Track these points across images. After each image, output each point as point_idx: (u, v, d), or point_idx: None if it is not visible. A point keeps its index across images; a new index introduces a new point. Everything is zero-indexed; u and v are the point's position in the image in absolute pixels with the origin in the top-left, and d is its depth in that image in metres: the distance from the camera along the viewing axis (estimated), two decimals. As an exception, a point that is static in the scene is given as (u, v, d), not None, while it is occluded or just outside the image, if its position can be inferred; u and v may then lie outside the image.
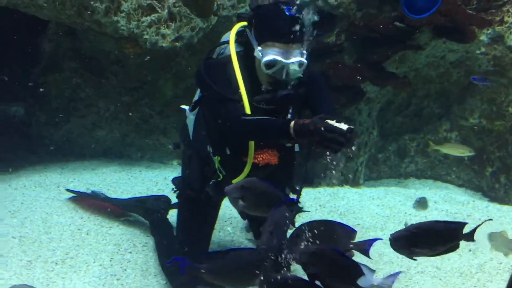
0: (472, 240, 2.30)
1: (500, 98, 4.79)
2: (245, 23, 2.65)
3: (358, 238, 2.41)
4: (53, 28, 4.78)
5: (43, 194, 4.11)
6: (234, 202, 2.34)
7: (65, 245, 3.37)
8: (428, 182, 5.27)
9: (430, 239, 2.22)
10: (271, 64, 2.46)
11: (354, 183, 4.96)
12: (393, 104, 5.20)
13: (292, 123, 2.24)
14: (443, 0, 3.46)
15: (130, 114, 4.89)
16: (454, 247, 2.28)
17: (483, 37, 4.61)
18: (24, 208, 3.85)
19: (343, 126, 2.11)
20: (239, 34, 2.67)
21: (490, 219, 2.72)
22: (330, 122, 2.13)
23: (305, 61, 2.47)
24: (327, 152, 2.17)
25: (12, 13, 3.86)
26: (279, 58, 2.43)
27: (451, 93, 5.07)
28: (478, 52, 4.70)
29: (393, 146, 5.28)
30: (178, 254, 3.05)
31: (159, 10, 3.96)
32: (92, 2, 3.73)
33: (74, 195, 4.03)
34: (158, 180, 4.70)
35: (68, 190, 4.09)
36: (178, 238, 3.14)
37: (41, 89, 4.77)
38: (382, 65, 4.57)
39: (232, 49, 2.61)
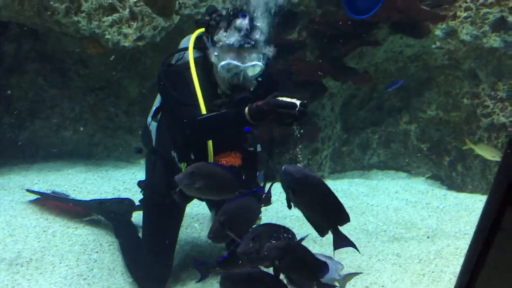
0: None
1: (456, 90, 4.96)
2: (203, 29, 2.71)
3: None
4: (14, 29, 4.72)
5: (7, 197, 4.08)
6: (187, 189, 2.34)
7: (30, 247, 3.36)
8: (390, 173, 5.43)
9: None
10: (227, 68, 2.53)
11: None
12: (356, 99, 5.33)
13: (247, 108, 2.33)
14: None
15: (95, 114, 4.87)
16: None
17: (437, 32, 4.77)
18: (-13, 211, 3.81)
19: (295, 101, 2.22)
20: (197, 39, 2.73)
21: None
22: (282, 98, 2.24)
23: (261, 64, 2.55)
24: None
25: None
26: (235, 62, 2.50)
27: (410, 86, 5.22)
28: (434, 46, 4.86)
29: (356, 139, 5.41)
30: (145, 257, 3.10)
31: (121, 10, 3.97)
32: (52, 3, 3.71)
33: (36, 196, 4.00)
34: (125, 179, 4.70)
35: (28, 190, 4.06)
36: (145, 241, 3.17)
37: (8, 91, 4.70)
38: (342, 61, 4.69)
39: (191, 56, 2.66)
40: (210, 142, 2.67)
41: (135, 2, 3.99)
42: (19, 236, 3.49)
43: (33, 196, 4.02)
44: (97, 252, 3.38)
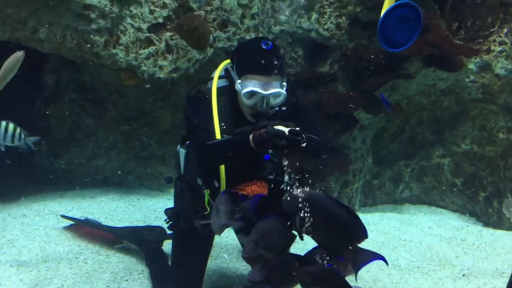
0: None
1: (490, 124, 4.88)
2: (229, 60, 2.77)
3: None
4: (54, 61, 4.92)
5: (42, 223, 4.16)
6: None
7: (62, 274, 3.40)
8: (423, 208, 5.31)
9: None
10: (250, 95, 2.56)
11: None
12: (387, 131, 5.29)
13: (251, 135, 2.37)
14: (429, 30, 3.57)
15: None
16: None
17: (471, 66, 4.74)
18: (22, 237, 3.89)
19: (285, 129, 2.28)
20: (226, 70, 2.78)
21: None
22: (277, 127, 2.28)
23: (284, 92, 2.58)
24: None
25: (14, 46, 3.99)
26: (257, 89, 2.53)
27: (442, 119, 5.16)
28: (467, 80, 4.81)
29: (388, 172, 5.35)
30: (173, 285, 3.10)
31: (157, 43, 4.10)
32: (91, 36, 3.86)
33: (71, 222, 4.08)
34: (156, 208, 4.75)
35: (62, 216, 4.15)
36: (173, 269, 3.17)
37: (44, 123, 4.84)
38: (374, 93, 4.68)
39: (214, 84, 2.72)
40: (223, 170, 2.67)
41: (171, 35, 4.12)
42: (52, 263, 3.54)
43: (67, 223, 4.10)
44: (126, 280, 3.40)
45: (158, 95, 4.70)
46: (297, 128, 2.30)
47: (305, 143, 2.31)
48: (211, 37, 4.19)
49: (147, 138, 5.06)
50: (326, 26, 4.70)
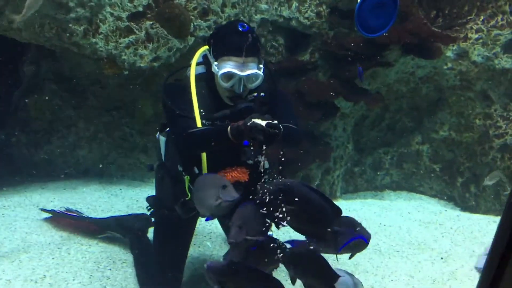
0: None
1: (468, 111, 4.97)
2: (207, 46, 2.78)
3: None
4: (33, 51, 4.85)
5: (23, 214, 4.13)
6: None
7: (45, 264, 3.40)
8: (402, 194, 5.41)
9: None
10: (227, 77, 2.58)
11: (331, 196, 5.06)
12: (367, 119, 5.35)
13: (229, 127, 2.39)
14: (407, 19, 3.61)
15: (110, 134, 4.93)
16: None
17: (449, 53, 4.81)
18: (3, 228, 3.86)
19: (263, 123, 2.29)
20: (204, 57, 2.80)
21: None
22: (256, 120, 2.29)
23: (261, 73, 2.60)
24: None
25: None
26: (234, 70, 2.54)
27: (421, 107, 5.24)
28: (445, 67, 4.89)
29: (369, 159, 5.42)
30: (155, 271, 3.12)
31: (137, 32, 4.07)
32: (70, 25, 3.81)
33: (50, 215, 4.06)
34: (138, 198, 4.74)
35: (42, 209, 4.12)
36: (154, 255, 3.19)
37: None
38: (354, 82, 4.73)
39: (192, 71, 2.73)
40: (204, 157, 2.69)
41: (151, 24, 4.09)
42: (34, 253, 3.53)
43: (46, 215, 4.08)
44: (110, 269, 3.41)
45: (139, 85, 4.67)
46: (275, 122, 2.31)
47: (280, 136, 2.33)
48: (192, 26, 4.17)
49: (128, 128, 5.03)
50: (306, 15, 4.73)
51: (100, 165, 5.08)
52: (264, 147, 2.34)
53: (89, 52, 3.98)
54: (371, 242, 3.98)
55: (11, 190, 4.62)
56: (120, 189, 4.94)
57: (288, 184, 2.10)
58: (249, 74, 2.56)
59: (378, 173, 5.41)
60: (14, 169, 4.94)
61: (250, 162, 2.73)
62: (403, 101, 5.25)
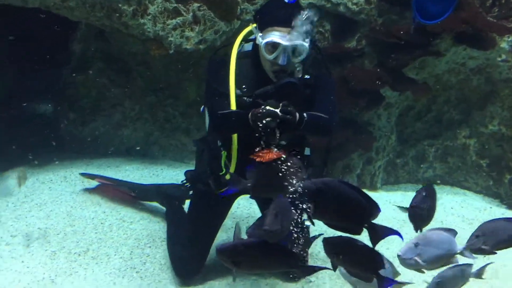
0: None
1: (521, 105, 4.78)
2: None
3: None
4: (83, 30, 4.96)
5: (69, 188, 4.27)
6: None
7: (88, 238, 3.51)
8: (445, 188, 5.25)
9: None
10: (270, 47, 2.54)
11: (372, 187, 5.00)
12: (413, 110, 5.22)
13: (250, 113, 2.37)
14: (462, 7, 3.46)
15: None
16: None
17: (503, 45, 4.61)
18: (50, 201, 4.01)
19: (277, 109, 2.28)
20: (250, 33, 2.78)
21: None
22: (269, 107, 2.28)
23: (306, 45, 2.53)
24: None
25: (45, 14, 4.02)
26: (277, 40, 2.50)
27: (471, 99, 5.06)
28: (499, 59, 4.69)
29: (412, 151, 5.29)
30: (183, 245, 3.16)
31: (184, 14, 4.08)
32: (120, 5, 3.87)
33: (93, 181, 4.21)
34: (178, 178, 4.79)
35: (82, 174, 4.26)
36: (185, 229, 3.23)
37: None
38: (402, 71, 4.61)
39: (234, 47, 2.72)
40: (235, 138, 2.69)
41: (199, 6, 4.10)
42: (78, 227, 3.65)
43: (92, 186, 4.21)
44: (150, 247, 3.48)
45: (184, 67, 4.70)
46: (289, 108, 2.28)
47: (298, 123, 2.33)
48: (238, 9, 4.16)
49: (172, 110, 5.09)
50: (355, 1, 4.61)
51: (137, 148, 5.17)
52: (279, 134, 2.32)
53: (137, 32, 4.03)
54: (411, 236, 3.93)
55: (58, 165, 4.77)
56: (162, 169, 5.03)
57: (326, 183, 2.06)
58: (293, 44, 2.51)
59: (421, 165, 5.28)
60: (62, 145, 5.10)
61: (283, 143, 2.69)
62: (452, 93, 5.08)
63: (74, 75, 4.95)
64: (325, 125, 2.63)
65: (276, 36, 2.50)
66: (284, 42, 2.50)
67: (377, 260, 2.16)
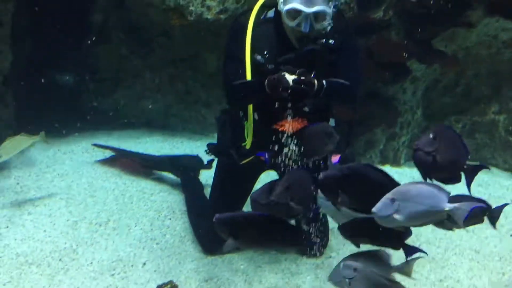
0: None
1: (555, 80, 4.57)
2: None
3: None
4: (102, 0, 4.89)
5: (89, 160, 4.29)
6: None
7: (109, 209, 3.53)
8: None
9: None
10: (292, 14, 2.46)
11: (395, 163, 4.89)
12: (440, 84, 5.04)
13: (267, 80, 2.34)
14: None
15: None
16: None
17: (540, 16, 4.38)
18: (72, 172, 4.04)
19: (291, 78, 2.24)
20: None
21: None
22: (287, 75, 2.24)
23: (329, 11, 2.46)
24: None
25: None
26: (299, 6, 2.42)
27: (501, 73, 4.86)
28: (534, 31, 4.48)
29: (438, 127, 5.14)
30: (209, 217, 3.14)
31: (205, -18, 3.98)
32: (140, -27, 3.78)
33: (104, 151, 4.26)
34: (199, 151, 4.77)
35: (94, 144, 4.29)
36: (211, 202, 3.21)
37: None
38: (430, 43, 4.44)
39: (253, 13, 2.65)
40: (250, 108, 2.65)
41: (221, -26, 3.99)
42: (99, 198, 3.67)
43: (101, 156, 4.24)
44: (170, 219, 3.49)
45: (205, 38, 4.61)
46: (303, 78, 2.23)
47: (317, 90, 2.28)
48: (262, -23, 4.02)
49: (192, 81, 5.03)
50: (382, -31, 4.43)
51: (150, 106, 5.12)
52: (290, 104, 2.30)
53: (157, 1, 3.94)
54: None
55: (79, 136, 4.79)
56: (182, 142, 5.01)
57: (353, 168, 2.01)
58: (316, 11, 2.43)
59: (447, 141, 5.13)
60: (82, 115, 5.10)
61: (306, 109, 2.62)
62: (482, 66, 4.88)
63: (95, 49, 4.92)
64: (347, 93, 2.58)
65: (297, 2, 2.42)
66: (306, 8, 2.42)
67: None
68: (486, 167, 2.25)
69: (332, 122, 2.85)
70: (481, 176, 4.69)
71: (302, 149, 2.43)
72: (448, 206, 1.97)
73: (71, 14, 4.82)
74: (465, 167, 2.10)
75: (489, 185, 4.51)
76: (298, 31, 2.49)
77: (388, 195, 1.94)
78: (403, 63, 4.46)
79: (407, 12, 4.45)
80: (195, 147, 4.91)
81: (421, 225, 2.07)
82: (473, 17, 4.35)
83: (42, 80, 4.98)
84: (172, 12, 4.02)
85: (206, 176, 3.80)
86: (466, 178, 2.15)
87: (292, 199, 2.09)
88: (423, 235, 3.47)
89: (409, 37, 4.47)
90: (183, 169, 3.90)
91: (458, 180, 2.15)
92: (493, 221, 2.28)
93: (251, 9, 2.75)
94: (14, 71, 4.42)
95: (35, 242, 3.06)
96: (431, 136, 2.02)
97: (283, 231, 2.12)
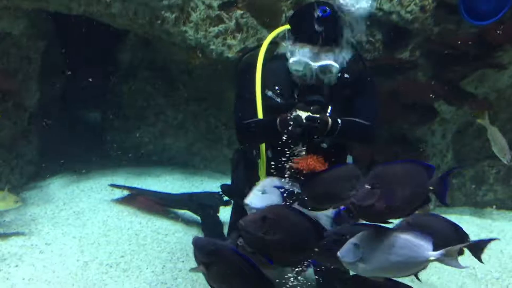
0: None
1: None
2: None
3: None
4: (131, 39, 4.99)
5: (107, 197, 4.25)
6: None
7: (121, 249, 3.44)
8: (507, 214, 4.82)
9: None
10: (298, 65, 2.40)
11: (424, 209, 4.65)
12: (472, 127, 4.84)
13: (278, 118, 2.30)
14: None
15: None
16: None
17: None
18: (88, 209, 4.00)
19: (304, 115, 2.19)
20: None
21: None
22: (300, 112, 2.19)
23: (336, 65, 2.38)
24: None
25: (93, 22, 4.05)
26: (305, 59, 2.35)
27: (538, 118, 4.64)
28: None
29: (470, 171, 4.90)
30: None
31: (227, 21, 3.98)
32: (163, 12, 3.82)
33: (121, 191, 4.20)
34: (219, 190, 4.70)
35: (111, 185, 4.22)
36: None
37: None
38: (458, 84, 4.28)
39: (262, 50, 2.60)
40: (263, 146, 2.58)
41: (242, 13, 3.98)
42: (112, 237, 3.59)
43: (118, 196, 4.20)
44: (182, 261, 3.38)
45: (227, 76, 4.60)
46: (317, 115, 2.18)
47: (332, 129, 2.24)
48: (283, 17, 4.01)
49: (214, 120, 5.00)
50: (409, 9, 4.33)
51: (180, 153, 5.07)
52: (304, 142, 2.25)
53: (179, 40, 3.97)
54: (466, 265, 3.60)
55: (99, 173, 4.78)
56: (202, 181, 4.93)
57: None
58: (321, 65, 2.35)
59: (481, 188, 4.88)
60: (105, 153, 5.12)
61: (324, 145, 2.50)
62: (516, 110, 4.67)
63: (121, 87, 4.98)
64: (364, 132, 2.49)
65: (304, 54, 2.38)
66: (312, 62, 2.37)
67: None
68: (459, 168, 2.09)
69: (350, 159, 2.73)
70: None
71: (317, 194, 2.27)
72: (432, 255, 1.73)
73: (100, 52, 4.94)
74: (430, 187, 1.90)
75: (526, 234, 4.22)
76: (303, 80, 2.45)
77: (353, 240, 1.76)
78: (429, 104, 4.30)
79: (435, 52, 4.32)
80: (215, 186, 4.80)
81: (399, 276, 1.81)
82: (504, 58, 4.18)
83: (70, 117, 5.09)
84: (193, 50, 4.02)
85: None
86: (439, 193, 1.98)
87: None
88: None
89: (437, 78, 4.32)
90: (202, 207, 3.81)
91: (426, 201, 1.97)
92: (478, 255, 2.16)
93: (259, 46, 2.71)
94: (41, 108, 4.51)
95: (42, 283, 2.97)
96: (368, 185, 1.76)
97: (253, 279, 1.97)
